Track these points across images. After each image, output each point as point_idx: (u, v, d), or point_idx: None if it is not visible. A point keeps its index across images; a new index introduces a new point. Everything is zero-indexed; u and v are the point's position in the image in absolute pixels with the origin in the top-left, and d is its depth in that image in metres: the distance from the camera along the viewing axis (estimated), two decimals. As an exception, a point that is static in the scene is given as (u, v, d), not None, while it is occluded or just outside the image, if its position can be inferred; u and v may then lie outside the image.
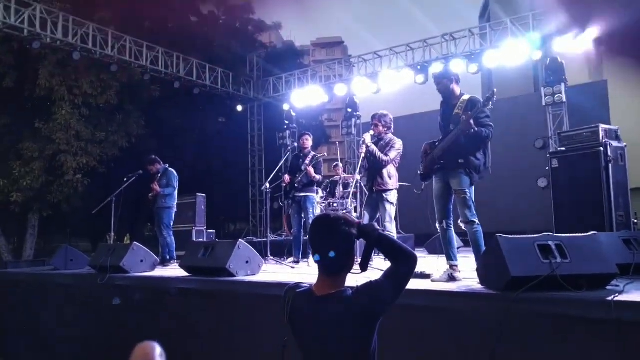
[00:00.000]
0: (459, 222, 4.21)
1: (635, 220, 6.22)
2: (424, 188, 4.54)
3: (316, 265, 1.93)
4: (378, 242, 1.93)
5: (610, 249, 3.62)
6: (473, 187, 4.19)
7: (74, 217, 15.59)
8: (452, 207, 4.34)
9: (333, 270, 1.89)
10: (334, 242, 1.86)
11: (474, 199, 4.17)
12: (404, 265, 1.90)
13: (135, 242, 6.44)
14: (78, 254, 7.53)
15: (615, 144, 5.92)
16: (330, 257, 1.84)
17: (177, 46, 14.10)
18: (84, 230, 19.79)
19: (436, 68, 11.19)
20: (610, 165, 5.72)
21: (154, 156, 7.74)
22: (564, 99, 9.99)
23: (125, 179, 7.52)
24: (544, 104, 10.20)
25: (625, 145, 6.10)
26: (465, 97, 4.33)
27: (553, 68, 10.14)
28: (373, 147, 5.36)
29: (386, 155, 5.33)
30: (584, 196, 5.83)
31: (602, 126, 6.07)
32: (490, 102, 4.03)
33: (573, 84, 10.86)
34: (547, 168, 6.41)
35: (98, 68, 12.54)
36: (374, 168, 5.38)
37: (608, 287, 3.13)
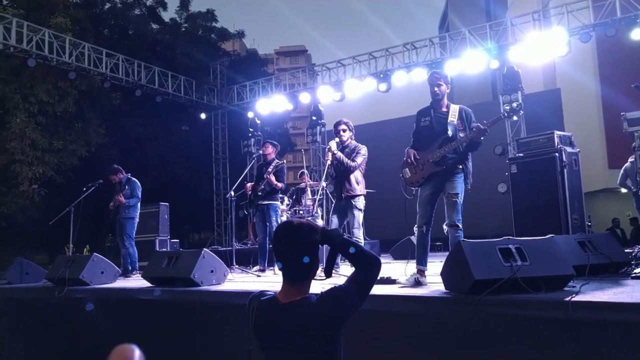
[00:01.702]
0: (444, 225, 4.28)
1: (589, 223, 6.47)
2: (415, 193, 4.56)
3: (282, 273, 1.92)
4: (342, 247, 1.92)
5: (567, 251, 3.75)
6: (464, 194, 4.32)
7: (29, 229, 15.03)
8: (433, 212, 4.39)
9: (297, 277, 1.88)
10: (297, 249, 1.85)
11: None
12: (368, 270, 1.90)
13: (95, 253, 6.25)
14: (34, 267, 7.23)
15: (569, 149, 6.16)
16: (303, 262, 1.83)
17: (137, 53, 13.86)
18: (40, 242, 19.09)
19: (400, 76, 11.40)
20: (565, 170, 5.94)
21: (116, 165, 7.57)
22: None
23: (84, 189, 7.31)
24: (502, 111, 10.50)
25: (579, 151, 6.36)
26: (455, 106, 4.45)
27: (510, 77, 10.49)
28: (340, 154, 5.39)
29: (353, 161, 5.38)
30: (541, 200, 6.03)
31: (557, 133, 6.30)
32: (516, 115, 4.10)
33: (529, 92, 11.26)
34: (507, 173, 6.61)
35: (55, 75, 12.19)
36: (341, 175, 5.42)
37: (565, 288, 3.23)
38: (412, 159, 4.44)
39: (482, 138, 4.23)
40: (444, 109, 4.44)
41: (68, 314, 5.68)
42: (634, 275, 3.87)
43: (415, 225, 4.39)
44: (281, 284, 1.92)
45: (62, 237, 9.08)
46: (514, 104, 4.16)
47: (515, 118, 4.21)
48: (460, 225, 4.19)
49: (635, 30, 9.24)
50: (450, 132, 4.32)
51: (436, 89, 4.46)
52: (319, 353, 1.80)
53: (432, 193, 4.36)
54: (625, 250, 4.87)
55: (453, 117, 4.36)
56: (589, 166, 9.07)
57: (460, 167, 4.30)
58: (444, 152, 4.28)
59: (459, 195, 4.22)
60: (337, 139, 5.56)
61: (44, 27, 10.80)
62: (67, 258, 6.46)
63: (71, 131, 13.74)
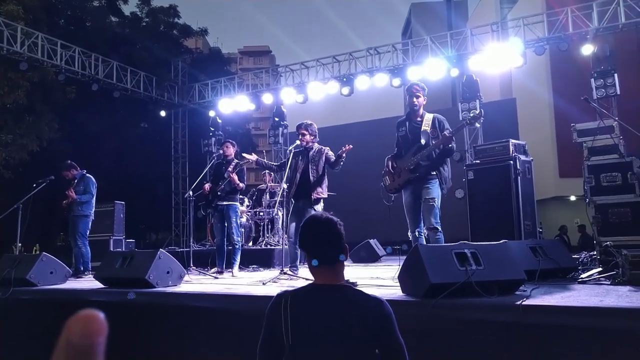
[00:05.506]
0: (424, 227, 4.49)
1: (541, 229, 6.71)
2: (393, 200, 4.77)
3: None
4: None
5: (519, 256, 3.88)
6: (440, 197, 4.53)
7: (-27, 226, 14.27)
8: (421, 216, 4.61)
9: (334, 256, 1.78)
10: (335, 242, 1.79)
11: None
12: None
13: (44, 253, 6.00)
14: (-23, 267, 6.87)
15: (523, 157, 6.37)
16: (339, 259, 1.78)
17: (95, 47, 13.42)
18: (-16, 240, 18.15)
19: (363, 81, 11.50)
20: (519, 177, 6.14)
21: (69, 161, 7.30)
22: (479, 115, 10.63)
23: (34, 185, 7.01)
24: (460, 118, 10.77)
25: (532, 159, 6.59)
26: (429, 115, 4.65)
27: (469, 85, 10.78)
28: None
29: (335, 164, 5.47)
30: (496, 206, 6.21)
31: (512, 141, 6.51)
32: (477, 122, 4.34)
33: (487, 100, 11.59)
34: (464, 180, 6.77)
35: (5, 65, 11.63)
36: (317, 178, 5.46)
37: (517, 292, 3.33)
38: (390, 167, 4.66)
39: (450, 145, 4.45)
40: (419, 119, 4.66)
41: (13, 316, 5.42)
42: (580, 280, 4.04)
43: (409, 231, 4.63)
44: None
45: (10, 236, 8.66)
46: (475, 112, 4.41)
47: (477, 125, 4.52)
48: (439, 228, 4.45)
49: (586, 46, 9.69)
50: (423, 141, 4.54)
51: (414, 100, 4.69)
52: (361, 340, 1.66)
53: (413, 199, 4.60)
54: (573, 256, 5.08)
55: (426, 126, 4.58)
56: (541, 174, 9.41)
57: (434, 173, 4.52)
58: (417, 160, 4.50)
59: (435, 199, 4.47)
60: (297, 142, 5.65)
61: (-6, 15, 10.32)
62: (13, 257, 6.16)
63: (21, 124, 13.15)
